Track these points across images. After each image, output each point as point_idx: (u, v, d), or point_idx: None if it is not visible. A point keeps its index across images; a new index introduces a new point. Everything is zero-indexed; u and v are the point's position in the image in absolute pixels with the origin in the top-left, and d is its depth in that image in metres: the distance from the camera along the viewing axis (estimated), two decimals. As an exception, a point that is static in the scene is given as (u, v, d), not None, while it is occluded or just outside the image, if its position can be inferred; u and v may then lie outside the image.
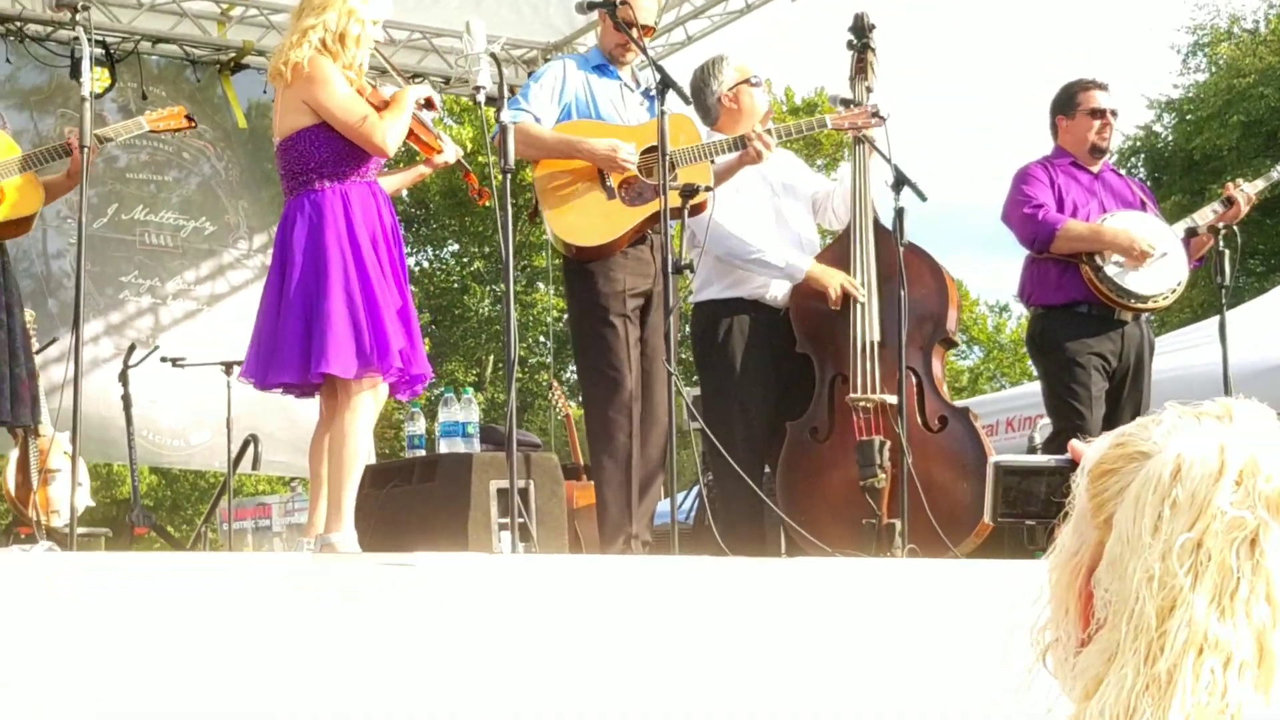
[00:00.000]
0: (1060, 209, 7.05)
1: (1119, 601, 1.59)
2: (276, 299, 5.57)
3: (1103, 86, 7.28)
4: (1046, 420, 7.52)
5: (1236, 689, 1.54)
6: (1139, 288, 6.95)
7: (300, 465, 10.23)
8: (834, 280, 6.67)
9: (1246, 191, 7.31)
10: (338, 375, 5.43)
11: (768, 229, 6.81)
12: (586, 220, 6.41)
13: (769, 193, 6.89)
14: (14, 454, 8.26)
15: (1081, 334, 6.98)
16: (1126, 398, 6.96)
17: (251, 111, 11.43)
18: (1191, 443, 1.61)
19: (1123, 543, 1.60)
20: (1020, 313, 31.03)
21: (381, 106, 5.71)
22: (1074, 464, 1.77)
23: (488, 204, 6.53)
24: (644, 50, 6.27)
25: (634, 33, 6.34)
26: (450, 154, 6.16)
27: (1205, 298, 19.55)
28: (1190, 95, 29.70)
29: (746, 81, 6.93)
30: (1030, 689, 1.74)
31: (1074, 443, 1.85)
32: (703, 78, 7.01)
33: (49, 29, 10.40)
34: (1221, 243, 7.14)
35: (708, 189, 6.19)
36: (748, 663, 4.20)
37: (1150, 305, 7.03)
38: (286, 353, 5.47)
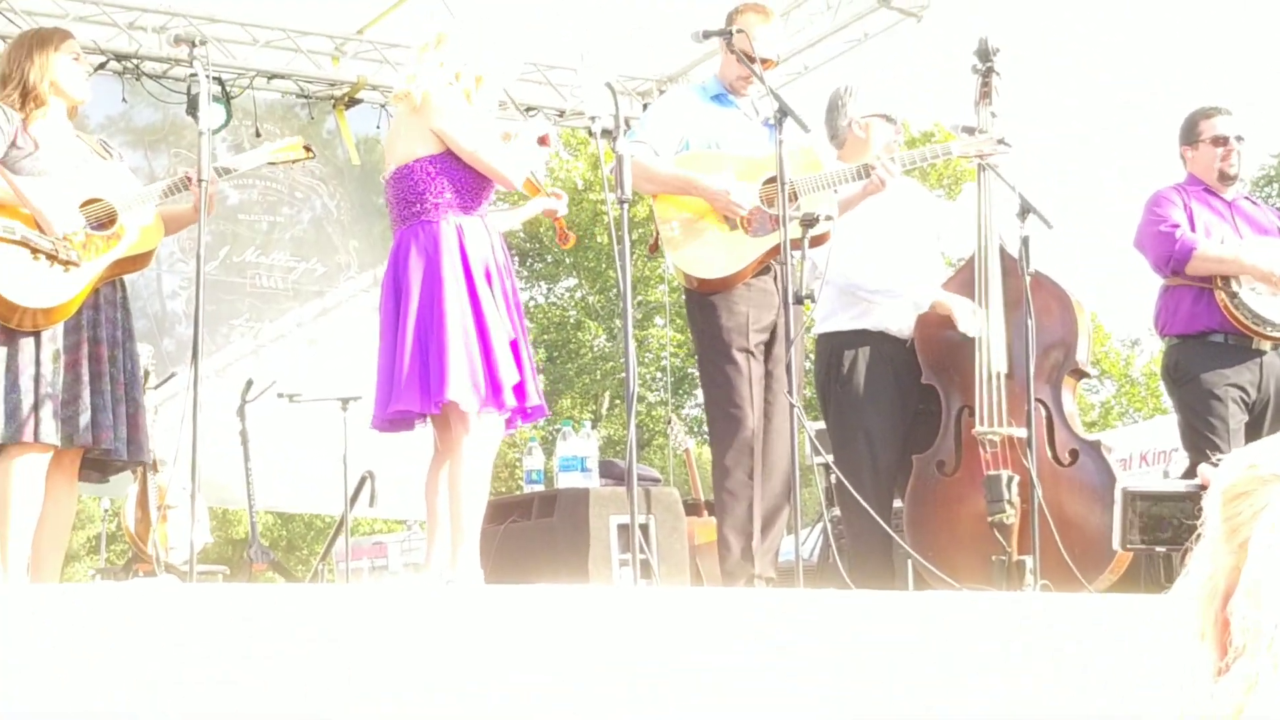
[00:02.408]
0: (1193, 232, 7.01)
1: (1258, 629, 1.58)
2: (393, 331, 5.59)
3: (1225, 112, 7.24)
4: (1182, 453, 7.44)
5: None
6: (1278, 316, 6.86)
7: (414, 509, 10.30)
8: (959, 306, 6.67)
9: None
10: (460, 405, 5.44)
11: (892, 258, 6.82)
12: (709, 252, 6.43)
13: (893, 222, 6.88)
14: (133, 490, 8.39)
15: (1218, 364, 6.90)
16: (1268, 430, 6.86)
17: (361, 146, 11.58)
18: None
19: (1261, 568, 1.59)
20: (1154, 346, 30.60)
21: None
22: (1204, 488, 1.76)
23: (569, 246, 6.58)
24: (762, 80, 6.28)
25: (755, 66, 6.35)
26: (561, 205, 6.26)
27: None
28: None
29: (884, 116, 6.97)
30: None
31: (1203, 467, 1.84)
32: (835, 102, 7.05)
33: (166, 66, 10.62)
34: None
35: (828, 218, 6.19)
36: (875, 700, 4.20)
37: (1290, 334, 6.94)
38: (408, 381, 5.48)
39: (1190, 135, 7.28)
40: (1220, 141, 7.19)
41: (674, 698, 3.84)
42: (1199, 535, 1.72)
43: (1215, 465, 1.79)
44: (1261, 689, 1.56)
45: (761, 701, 4.01)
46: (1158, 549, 4.81)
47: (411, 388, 5.49)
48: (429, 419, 5.68)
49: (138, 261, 5.87)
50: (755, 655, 4.03)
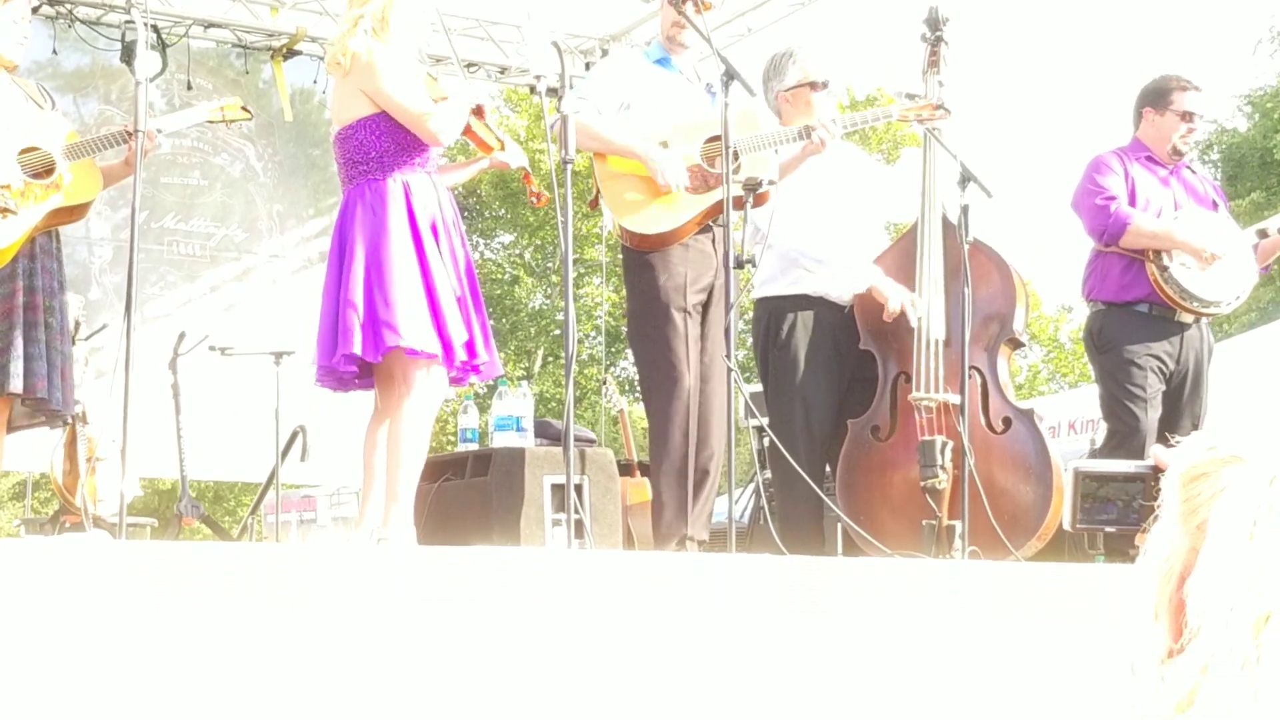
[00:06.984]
0: (1132, 202, 7.03)
1: (1214, 611, 1.57)
2: (336, 284, 5.57)
3: (1198, 89, 7.21)
4: (1108, 421, 7.50)
5: None
6: (1204, 291, 6.94)
7: (346, 473, 10.21)
8: (894, 296, 6.68)
9: None
10: (413, 347, 5.41)
11: (834, 225, 6.83)
12: (649, 209, 6.41)
13: (834, 187, 6.89)
14: (62, 441, 8.29)
15: (1140, 334, 6.99)
16: (1185, 401, 6.98)
17: (296, 98, 11.44)
18: None
19: (1217, 550, 1.58)
20: (1084, 313, 30.58)
21: (439, 100, 5.74)
22: (1156, 470, 1.75)
23: (545, 207, 6.54)
24: (709, 40, 6.23)
25: (688, 8, 6.30)
26: (514, 157, 6.17)
27: (1274, 296, 19.40)
28: (1271, 92, 28.80)
29: (810, 85, 6.92)
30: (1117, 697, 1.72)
31: (1157, 448, 1.84)
32: (768, 72, 7.02)
33: (99, 12, 10.43)
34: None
35: (771, 182, 6.20)
36: (804, 663, 4.20)
37: (1212, 310, 7.02)
38: (359, 325, 5.45)
39: (1158, 100, 7.22)
40: (1188, 117, 7.18)
41: (598, 658, 3.83)
42: (1156, 517, 1.70)
43: (1169, 447, 1.77)
44: (1215, 672, 1.55)
45: (690, 665, 4.00)
46: (1106, 529, 4.85)
47: (364, 333, 5.44)
48: (372, 377, 5.65)
49: (75, 212, 5.82)
50: (683, 620, 4.03)
